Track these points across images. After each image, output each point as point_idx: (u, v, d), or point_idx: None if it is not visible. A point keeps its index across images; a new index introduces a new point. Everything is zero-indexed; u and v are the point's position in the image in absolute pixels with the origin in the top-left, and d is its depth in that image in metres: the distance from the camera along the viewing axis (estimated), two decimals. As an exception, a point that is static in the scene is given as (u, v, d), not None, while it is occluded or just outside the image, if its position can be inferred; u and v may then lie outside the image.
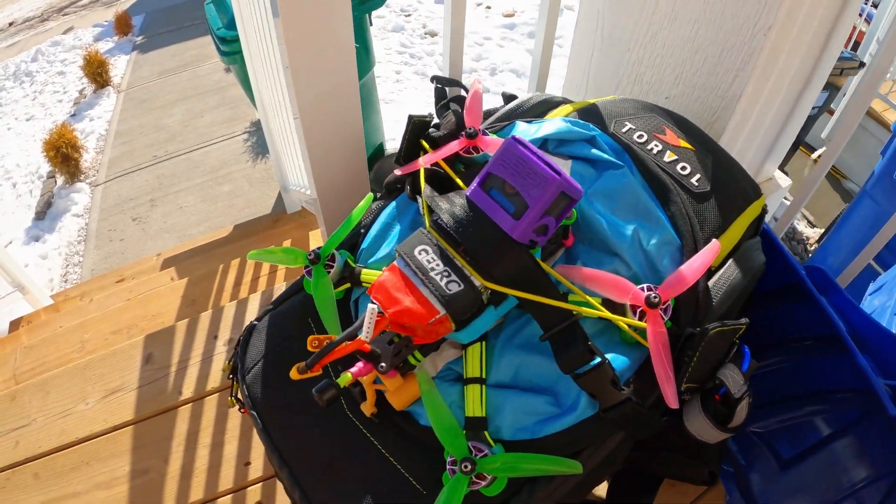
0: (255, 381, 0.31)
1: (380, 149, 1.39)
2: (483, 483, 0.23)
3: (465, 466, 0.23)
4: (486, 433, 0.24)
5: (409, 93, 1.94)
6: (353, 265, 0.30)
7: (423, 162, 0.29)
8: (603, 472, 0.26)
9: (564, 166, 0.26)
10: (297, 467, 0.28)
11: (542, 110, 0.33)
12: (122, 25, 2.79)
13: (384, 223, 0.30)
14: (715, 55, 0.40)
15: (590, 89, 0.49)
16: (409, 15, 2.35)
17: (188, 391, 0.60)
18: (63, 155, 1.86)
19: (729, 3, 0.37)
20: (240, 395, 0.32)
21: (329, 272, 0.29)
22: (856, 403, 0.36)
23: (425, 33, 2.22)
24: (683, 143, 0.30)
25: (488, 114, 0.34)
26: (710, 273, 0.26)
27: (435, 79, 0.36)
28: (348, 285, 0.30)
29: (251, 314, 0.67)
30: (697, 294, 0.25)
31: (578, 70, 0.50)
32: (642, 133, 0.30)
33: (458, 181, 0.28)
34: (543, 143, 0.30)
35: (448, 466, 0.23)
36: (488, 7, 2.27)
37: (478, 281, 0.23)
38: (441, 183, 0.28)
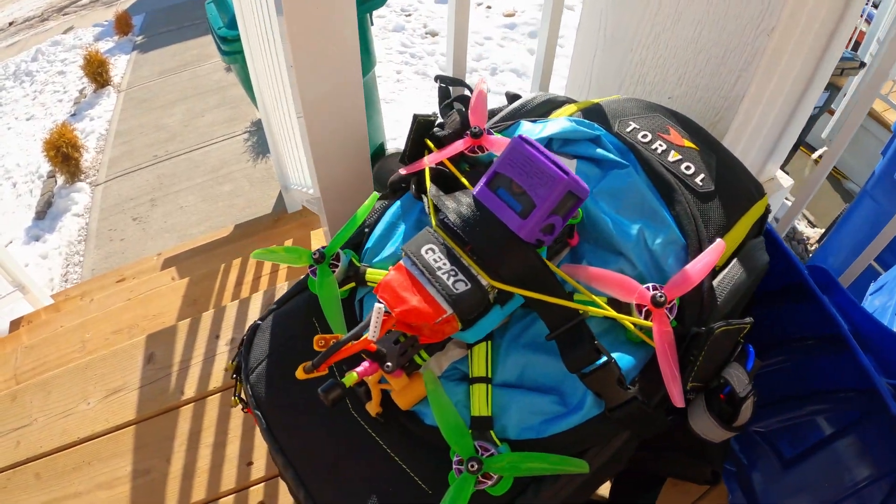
0: (259, 380, 0.31)
1: (380, 148, 1.39)
2: (489, 482, 0.23)
3: (472, 466, 0.23)
4: (491, 433, 0.24)
5: (410, 92, 1.93)
6: (358, 264, 0.30)
7: (428, 161, 0.29)
8: (608, 471, 0.26)
9: (570, 166, 0.26)
10: (302, 467, 0.28)
11: (546, 110, 0.33)
12: (123, 25, 2.79)
13: (389, 222, 0.30)
14: (718, 56, 0.40)
15: (592, 89, 0.49)
16: (409, 15, 2.35)
17: (190, 391, 0.60)
18: (63, 154, 1.86)
19: (732, 5, 0.37)
20: (243, 395, 0.32)
21: (334, 271, 0.29)
22: (857, 403, 0.36)
23: (426, 33, 2.22)
24: (687, 143, 0.30)
25: (492, 113, 0.34)
26: (714, 272, 0.26)
27: (439, 78, 0.36)
28: (353, 285, 0.30)
29: (253, 314, 0.67)
30: (702, 293, 0.25)
31: (581, 70, 0.50)
32: (646, 133, 0.30)
33: (464, 180, 0.28)
34: (548, 142, 0.30)
35: (454, 466, 0.23)
36: (489, 7, 2.27)
37: (485, 280, 0.23)
38: (446, 182, 0.28)
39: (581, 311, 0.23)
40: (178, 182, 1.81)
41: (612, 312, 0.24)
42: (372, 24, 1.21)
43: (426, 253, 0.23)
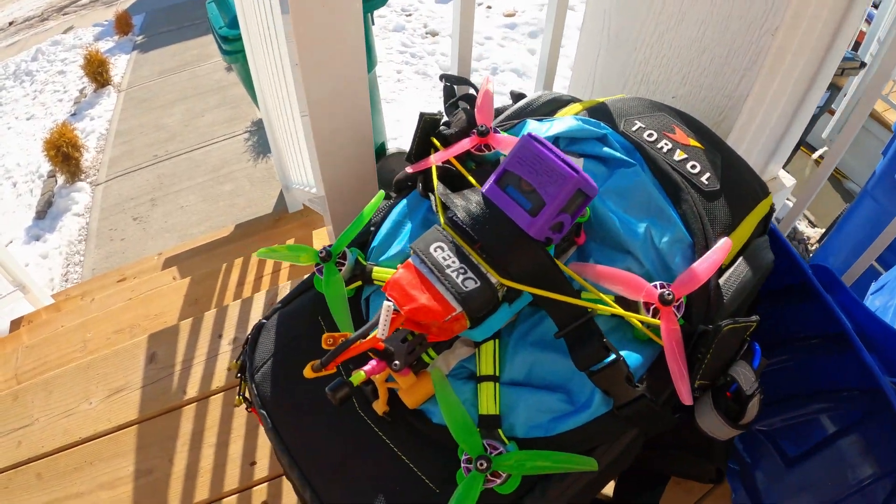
0: (265, 379, 0.31)
1: (381, 148, 1.39)
2: (497, 481, 0.23)
3: (481, 464, 0.23)
4: (499, 431, 0.24)
5: (410, 92, 1.94)
6: (364, 263, 0.30)
7: (435, 159, 0.29)
8: (615, 469, 0.26)
9: (577, 164, 0.26)
10: (308, 467, 0.28)
11: (552, 109, 0.33)
12: (123, 25, 2.79)
13: (395, 221, 0.30)
14: (722, 55, 0.40)
15: (596, 89, 0.49)
16: (409, 14, 2.35)
17: (192, 390, 0.60)
18: (63, 154, 1.86)
19: (736, 5, 0.37)
20: (247, 394, 0.32)
21: (340, 270, 0.29)
22: (861, 402, 0.36)
23: (426, 33, 2.22)
24: (693, 142, 0.30)
25: (497, 112, 0.34)
26: (720, 271, 0.27)
27: (444, 77, 0.36)
28: (359, 283, 0.30)
29: (256, 313, 0.67)
30: (709, 291, 0.25)
31: (584, 70, 0.50)
32: (652, 132, 0.30)
33: (471, 178, 0.28)
34: (555, 141, 0.30)
35: (463, 464, 0.23)
36: (489, 7, 2.27)
37: (494, 278, 0.23)
38: (452, 181, 0.28)
39: (589, 309, 0.23)
40: (179, 182, 1.81)
41: (620, 310, 0.24)
42: (373, 23, 1.21)
43: (435, 251, 0.23)
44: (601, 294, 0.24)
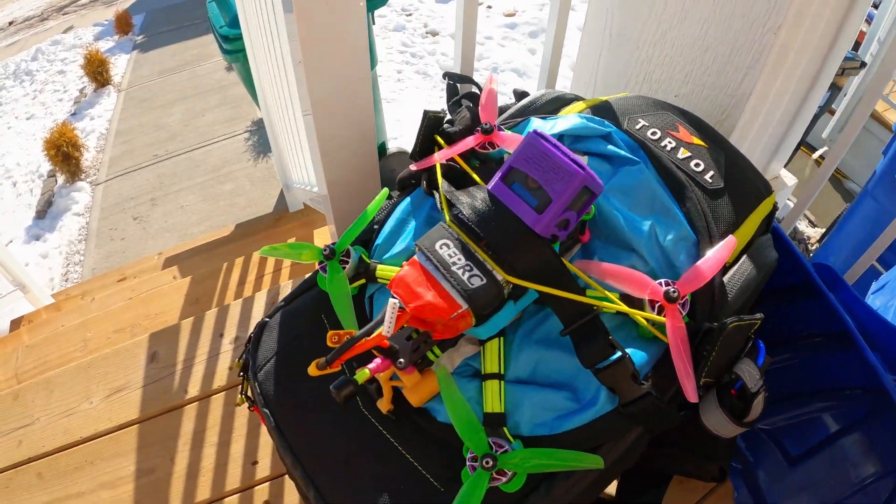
0: (268, 378, 0.31)
1: (381, 148, 1.39)
2: (503, 479, 0.23)
3: (487, 462, 0.23)
4: (504, 429, 0.24)
5: (411, 92, 1.94)
6: (368, 261, 0.30)
7: (439, 157, 0.29)
8: (620, 467, 0.26)
9: (582, 161, 0.26)
10: (311, 465, 0.28)
11: (555, 107, 0.33)
12: (123, 24, 2.78)
13: (399, 219, 0.30)
14: (725, 54, 0.40)
15: (598, 88, 0.49)
16: (410, 14, 2.35)
17: (194, 390, 0.60)
18: (64, 154, 1.85)
19: (739, 3, 0.37)
20: (249, 393, 0.32)
21: (344, 268, 0.29)
22: (864, 400, 0.36)
23: (426, 32, 2.22)
24: (696, 140, 0.30)
25: (500, 111, 0.34)
26: (724, 269, 0.27)
27: (447, 75, 0.36)
28: (363, 281, 0.30)
29: (257, 312, 0.66)
30: (713, 289, 0.25)
31: (586, 69, 0.50)
32: (656, 130, 0.30)
33: (475, 176, 0.28)
34: (559, 139, 0.30)
35: (468, 463, 0.23)
36: (489, 7, 2.27)
37: (500, 275, 0.23)
38: (456, 179, 0.28)
39: (595, 307, 0.23)
40: (179, 181, 1.80)
41: (625, 308, 0.24)
42: (373, 23, 1.21)
43: (440, 248, 0.23)
44: (606, 292, 0.24)
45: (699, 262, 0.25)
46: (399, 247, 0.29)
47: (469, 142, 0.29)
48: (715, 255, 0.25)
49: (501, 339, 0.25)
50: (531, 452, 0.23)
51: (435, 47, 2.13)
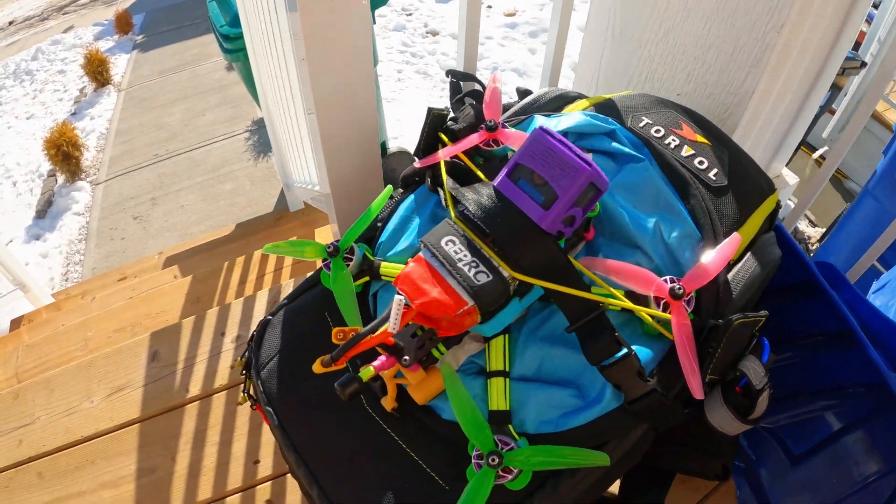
0: (271, 376, 0.31)
1: (382, 147, 1.39)
2: (509, 477, 0.23)
3: (493, 460, 0.22)
4: (510, 427, 0.24)
5: (411, 91, 1.94)
6: (372, 258, 0.30)
7: (443, 154, 0.29)
8: (625, 465, 0.26)
9: (588, 157, 0.26)
10: (315, 464, 0.28)
11: (559, 105, 0.33)
12: (123, 24, 2.78)
13: (403, 216, 0.30)
14: (727, 52, 0.40)
15: (600, 87, 0.49)
16: (410, 14, 2.35)
17: (195, 389, 0.60)
18: (64, 153, 1.85)
19: (742, 1, 0.37)
20: (252, 391, 0.32)
21: (348, 265, 0.29)
22: (866, 398, 0.36)
23: (427, 32, 2.22)
24: (700, 138, 0.30)
25: (503, 109, 0.34)
26: (728, 266, 0.27)
27: (450, 73, 0.36)
28: (366, 279, 0.30)
29: (259, 311, 0.66)
30: (718, 286, 0.25)
31: (589, 67, 0.50)
32: (659, 128, 0.30)
33: (479, 173, 0.28)
34: (564, 136, 0.29)
35: (474, 460, 0.23)
36: (489, 6, 2.27)
37: (506, 272, 0.22)
38: (460, 176, 0.28)
39: (601, 304, 0.23)
40: (179, 181, 1.80)
41: (631, 304, 0.24)
42: (374, 22, 1.21)
43: (446, 244, 0.23)
44: (611, 289, 0.24)
45: (704, 259, 0.25)
46: (403, 244, 0.29)
47: (473, 139, 0.29)
48: (720, 252, 0.25)
49: (506, 336, 0.25)
50: (537, 450, 0.23)
51: (435, 47, 2.13)
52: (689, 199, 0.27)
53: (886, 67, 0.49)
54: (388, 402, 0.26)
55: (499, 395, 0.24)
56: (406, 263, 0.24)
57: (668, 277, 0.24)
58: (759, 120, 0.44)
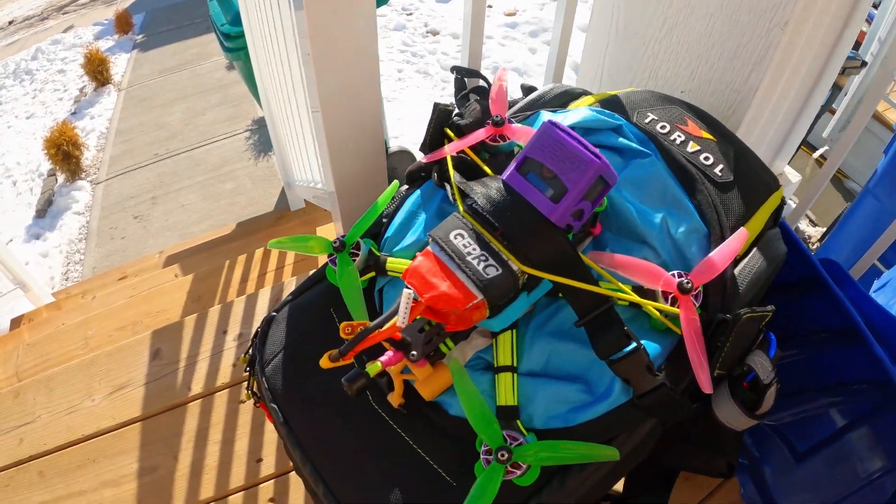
0: (275, 373, 0.31)
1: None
2: (517, 472, 0.23)
3: (502, 455, 0.22)
4: (518, 422, 0.24)
5: (411, 91, 1.94)
6: (378, 254, 0.30)
7: (450, 150, 0.29)
8: (633, 460, 0.26)
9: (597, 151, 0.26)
10: (321, 461, 0.27)
11: (564, 101, 0.33)
12: (123, 24, 2.78)
13: (409, 211, 0.30)
14: (731, 49, 0.40)
15: (603, 84, 0.49)
16: (410, 14, 2.35)
17: (197, 387, 0.60)
18: (64, 153, 1.85)
19: (745, -2, 0.37)
20: (256, 389, 0.32)
21: (354, 261, 0.29)
22: (871, 395, 0.36)
23: (427, 32, 2.23)
24: (705, 134, 0.30)
25: (509, 105, 0.34)
26: (735, 261, 0.27)
27: (455, 69, 0.36)
28: (372, 274, 0.30)
29: (261, 309, 0.66)
30: (725, 281, 0.25)
31: (592, 65, 0.50)
32: (665, 124, 0.30)
33: (486, 168, 0.27)
34: (570, 131, 0.30)
35: (482, 456, 0.23)
36: (490, 6, 2.28)
37: (515, 265, 0.22)
38: (466, 171, 0.28)
39: (610, 298, 0.23)
40: (179, 180, 1.80)
41: (640, 299, 0.24)
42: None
43: (455, 238, 0.23)
44: (619, 283, 0.24)
45: (712, 254, 0.25)
46: (409, 239, 0.29)
47: (479, 134, 0.29)
48: (727, 246, 0.25)
49: (514, 331, 0.25)
50: (546, 445, 0.23)
51: (435, 46, 2.13)
52: (695, 194, 0.27)
53: (887, 67, 0.49)
54: (395, 398, 0.26)
55: (507, 391, 0.24)
56: (413, 258, 0.24)
57: (675, 272, 0.24)
58: (762, 117, 0.44)
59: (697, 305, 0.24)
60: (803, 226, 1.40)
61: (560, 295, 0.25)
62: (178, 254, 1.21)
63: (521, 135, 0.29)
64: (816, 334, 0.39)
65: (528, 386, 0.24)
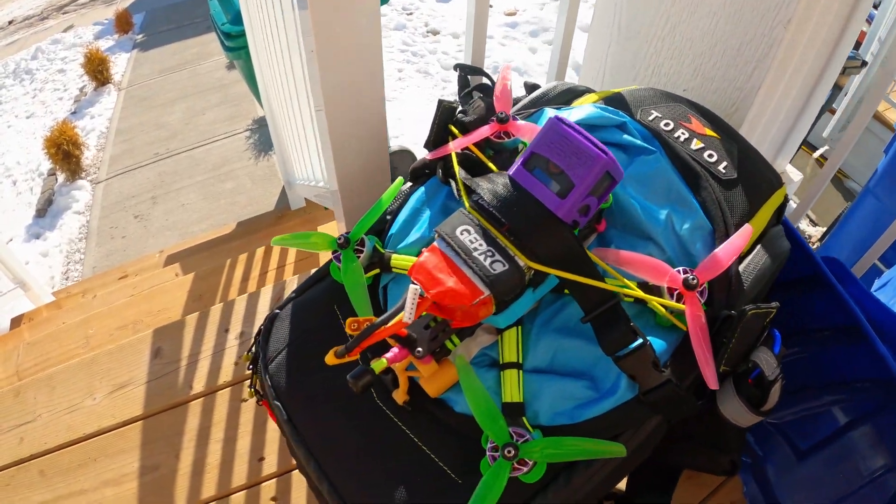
0: (279, 370, 0.31)
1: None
2: (524, 469, 0.23)
3: (508, 451, 0.22)
4: (524, 419, 0.24)
5: (412, 91, 1.94)
6: (382, 251, 0.30)
7: (454, 146, 0.29)
8: (638, 457, 0.26)
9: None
10: (325, 459, 0.27)
11: (568, 98, 0.33)
12: (123, 23, 2.78)
13: (413, 208, 0.30)
14: (734, 47, 0.40)
15: (606, 82, 0.49)
16: (410, 13, 2.35)
17: (199, 385, 0.60)
18: (64, 152, 1.85)
19: (748, -5, 0.37)
20: (259, 387, 0.32)
21: (358, 257, 0.29)
22: (873, 392, 0.36)
23: (427, 31, 2.23)
24: (709, 132, 0.30)
25: (512, 103, 0.34)
26: (739, 258, 0.27)
27: (458, 66, 0.36)
28: (377, 271, 0.29)
29: (263, 307, 0.66)
30: (730, 278, 0.25)
31: (594, 63, 0.50)
32: (668, 121, 0.30)
33: (491, 165, 0.27)
34: (575, 127, 0.30)
35: (489, 453, 0.23)
36: (490, 6, 2.27)
37: (522, 261, 0.22)
38: (470, 168, 0.28)
39: (616, 293, 0.23)
40: (180, 180, 1.80)
41: (646, 295, 0.24)
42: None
43: (461, 234, 0.23)
44: (624, 280, 0.24)
45: (717, 251, 0.25)
46: (414, 236, 0.29)
47: (484, 131, 0.29)
48: (732, 243, 0.25)
49: (519, 328, 0.25)
50: (553, 441, 0.23)
51: (436, 46, 2.13)
52: (699, 191, 0.27)
53: (888, 67, 0.49)
54: (400, 396, 0.26)
55: (512, 387, 0.24)
56: (418, 255, 0.24)
57: (681, 268, 0.24)
58: (764, 115, 0.44)
59: (703, 302, 0.24)
60: (803, 225, 1.40)
61: (565, 291, 0.25)
62: (178, 253, 1.21)
63: (526, 132, 0.29)
64: (819, 332, 0.39)
65: (534, 382, 0.24)
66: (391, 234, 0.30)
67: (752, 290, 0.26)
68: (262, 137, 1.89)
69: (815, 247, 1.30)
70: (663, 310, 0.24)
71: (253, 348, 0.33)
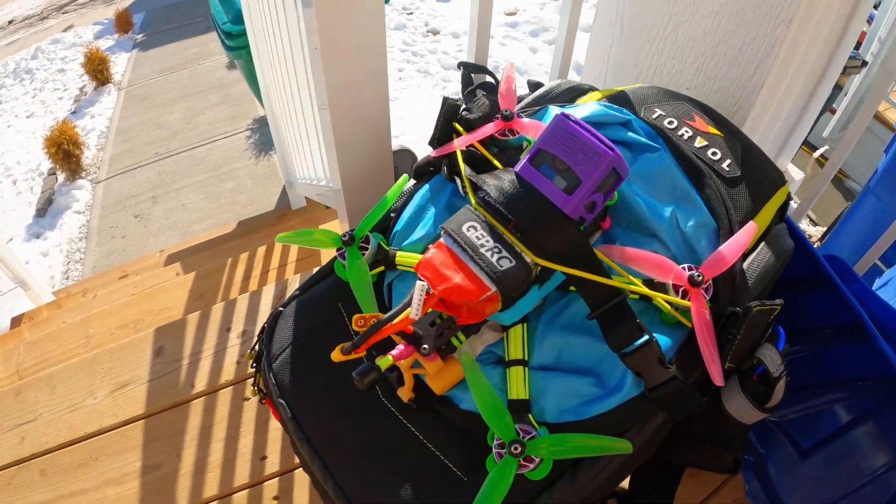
0: (283, 368, 0.31)
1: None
2: (530, 466, 0.23)
3: (515, 448, 0.22)
4: (530, 416, 0.24)
5: (412, 90, 1.94)
6: (387, 248, 0.30)
7: (459, 144, 0.29)
8: (644, 454, 0.26)
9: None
10: (329, 457, 0.27)
11: (572, 96, 0.33)
12: (123, 23, 2.78)
13: (418, 205, 0.30)
14: (736, 46, 0.40)
15: (608, 81, 0.49)
16: (411, 13, 2.36)
17: (201, 384, 0.60)
18: (64, 152, 1.85)
19: (751, -6, 0.37)
20: (262, 385, 0.32)
21: (363, 255, 0.29)
22: (875, 391, 0.36)
23: (427, 31, 2.23)
24: (712, 130, 0.30)
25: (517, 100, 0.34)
26: (743, 256, 0.27)
27: (462, 65, 0.36)
28: (381, 269, 0.29)
29: (265, 306, 0.66)
30: (734, 275, 0.25)
31: (597, 62, 0.50)
32: (672, 119, 0.30)
33: (496, 162, 0.28)
34: (580, 125, 0.30)
35: (495, 450, 0.23)
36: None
37: (528, 257, 0.22)
38: (475, 165, 0.28)
39: (622, 290, 0.23)
40: (180, 179, 1.80)
41: (651, 292, 0.24)
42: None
43: (468, 230, 0.23)
44: (630, 276, 0.24)
45: (721, 248, 0.25)
46: (419, 233, 0.29)
47: (489, 129, 0.29)
48: (736, 240, 0.25)
49: (524, 325, 0.25)
50: (559, 438, 0.23)
51: (436, 46, 2.13)
52: (704, 188, 0.27)
53: (888, 67, 0.49)
54: (405, 393, 0.26)
55: (518, 384, 0.24)
56: (424, 252, 0.24)
57: (686, 265, 0.24)
58: (766, 114, 0.44)
59: (708, 299, 0.24)
60: (804, 225, 1.40)
61: (571, 288, 0.25)
62: (179, 252, 1.21)
63: (531, 129, 0.29)
64: (821, 330, 0.39)
65: (540, 380, 0.24)
66: (396, 232, 0.30)
67: (756, 287, 0.26)
68: (262, 137, 1.89)
69: (816, 246, 1.30)
70: (668, 306, 0.24)
71: (256, 346, 0.33)
